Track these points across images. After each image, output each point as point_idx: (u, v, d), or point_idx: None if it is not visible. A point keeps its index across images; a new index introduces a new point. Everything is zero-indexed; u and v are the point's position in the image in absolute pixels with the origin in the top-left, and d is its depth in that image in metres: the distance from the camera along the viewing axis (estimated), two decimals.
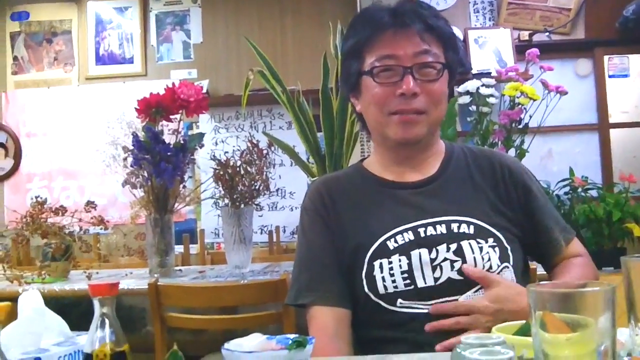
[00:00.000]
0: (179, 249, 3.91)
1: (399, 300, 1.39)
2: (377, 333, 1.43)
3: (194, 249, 4.43)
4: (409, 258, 1.39)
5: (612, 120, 4.72)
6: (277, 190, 4.78)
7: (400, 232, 1.42)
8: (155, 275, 2.76)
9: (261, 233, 4.76)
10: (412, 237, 1.42)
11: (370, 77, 1.45)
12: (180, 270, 3.16)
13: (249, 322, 2.33)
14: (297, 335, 1.12)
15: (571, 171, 3.48)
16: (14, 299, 1.17)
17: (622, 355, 1.05)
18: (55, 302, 2.51)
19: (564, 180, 3.40)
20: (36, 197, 3.12)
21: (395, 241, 1.42)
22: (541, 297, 0.76)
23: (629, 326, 1.09)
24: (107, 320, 1.05)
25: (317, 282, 1.47)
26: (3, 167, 5.22)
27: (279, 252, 4.26)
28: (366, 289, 1.41)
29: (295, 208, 4.83)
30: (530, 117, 3.41)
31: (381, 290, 1.39)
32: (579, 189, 3.34)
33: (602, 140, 4.68)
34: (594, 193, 3.37)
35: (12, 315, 1.09)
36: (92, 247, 3.38)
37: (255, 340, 1.10)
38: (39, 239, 3.01)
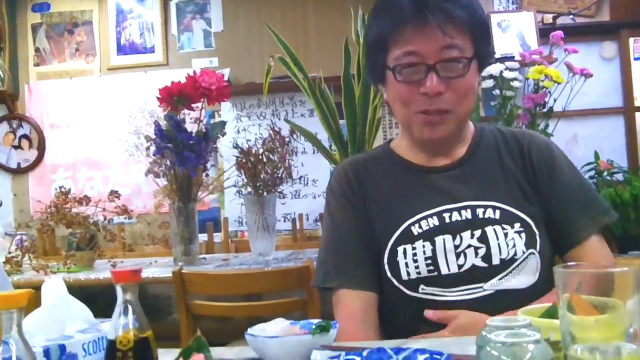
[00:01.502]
0: (202, 237, 3.94)
1: (421, 287, 1.38)
2: (400, 319, 1.42)
3: (218, 237, 4.46)
4: (433, 244, 1.38)
5: (637, 103, 4.64)
6: (300, 178, 4.77)
7: (425, 218, 1.41)
8: (180, 263, 2.78)
9: (284, 221, 4.76)
10: (436, 223, 1.40)
11: (394, 74, 1.40)
12: (204, 258, 3.19)
13: (274, 309, 2.34)
14: (320, 320, 1.12)
15: (596, 155, 3.42)
16: (39, 288, 1.18)
17: None
18: (80, 291, 2.53)
19: (588, 164, 3.35)
20: (60, 188, 3.15)
21: (420, 227, 1.40)
22: (568, 278, 0.74)
23: None
24: (130, 307, 1.05)
25: (344, 265, 1.45)
26: (27, 159, 5.28)
27: (302, 239, 4.26)
28: (389, 274, 1.40)
29: (318, 196, 4.82)
30: (555, 100, 3.36)
31: (404, 276, 1.38)
32: (605, 173, 3.29)
33: (628, 124, 4.60)
34: (619, 177, 3.31)
35: (35, 303, 1.10)
36: (116, 237, 3.41)
37: (278, 325, 1.10)
38: (64, 229, 3.05)
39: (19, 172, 5.28)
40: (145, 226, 3.95)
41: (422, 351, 0.93)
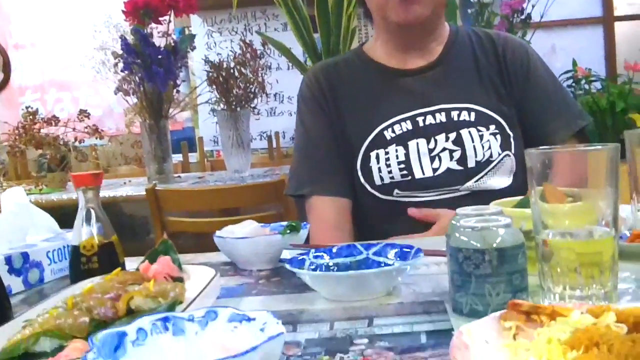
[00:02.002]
0: (178, 157, 3.89)
1: (396, 191, 1.36)
2: (375, 222, 1.40)
3: (194, 157, 4.40)
4: (406, 148, 1.35)
5: (617, 13, 4.57)
6: (275, 95, 4.68)
7: (399, 122, 1.37)
8: (154, 182, 2.74)
9: (260, 139, 4.71)
10: (410, 127, 1.37)
11: None
12: (179, 177, 3.16)
13: None
14: (290, 221, 1.10)
15: (574, 62, 3.37)
16: None
17: (624, 229, 1.03)
18: (53, 212, 2.50)
19: (567, 72, 3.30)
20: (27, 108, 3.06)
21: (393, 131, 1.37)
22: (540, 158, 0.71)
23: (631, 201, 1.06)
24: (93, 212, 1.02)
25: (316, 172, 1.43)
26: None
27: (279, 157, 4.23)
28: (362, 180, 1.38)
29: (294, 113, 4.75)
30: (533, 6, 3.27)
31: (377, 181, 1.36)
32: (583, 81, 3.25)
33: (607, 34, 4.55)
34: (597, 85, 3.28)
35: None
36: (88, 157, 3.35)
37: (248, 227, 1.08)
38: (35, 152, 2.98)
39: None
40: (118, 146, 3.88)
41: (393, 245, 0.92)
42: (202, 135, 4.63)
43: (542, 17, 3.31)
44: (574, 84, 3.29)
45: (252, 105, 2.90)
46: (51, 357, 0.65)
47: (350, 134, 1.41)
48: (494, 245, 0.68)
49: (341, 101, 1.45)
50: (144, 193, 2.40)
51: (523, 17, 3.20)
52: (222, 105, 2.85)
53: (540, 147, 0.73)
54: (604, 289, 0.68)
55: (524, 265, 0.70)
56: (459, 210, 0.78)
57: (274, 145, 4.43)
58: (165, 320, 0.61)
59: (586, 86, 3.24)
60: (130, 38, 2.70)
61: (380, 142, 1.37)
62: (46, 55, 5.02)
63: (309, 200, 1.43)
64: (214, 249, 1.13)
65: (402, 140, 1.36)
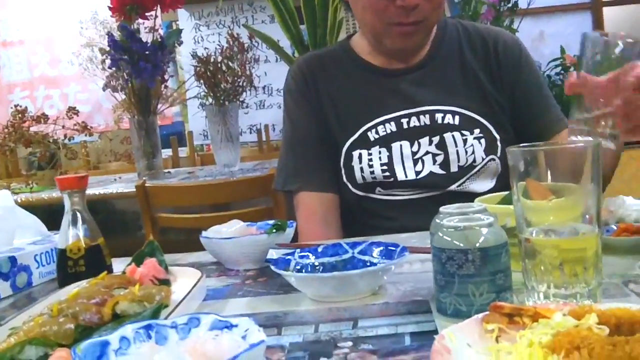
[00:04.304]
0: (167, 152, 3.88)
1: (378, 189, 1.35)
2: (360, 219, 1.40)
3: (184, 152, 4.39)
4: (389, 150, 1.34)
5: None
6: (264, 88, 4.66)
7: (383, 123, 1.36)
8: (144, 178, 2.73)
9: (250, 133, 4.70)
10: (394, 129, 1.35)
11: None
12: (169, 172, 3.15)
13: (241, 218, 2.31)
14: (276, 220, 1.10)
15: (562, 50, 3.37)
16: None
17: (611, 222, 1.03)
18: (43, 210, 2.49)
19: (555, 59, 3.30)
20: (16, 106, 3.05)
21: (377, 132, 1.36)
22: (522, 156, 0.71)
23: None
24: (79, 215, 1.02)
25: (303, 167, 1.42)
26: None
27: (269, 150, 4.22)
28: (344, 179, 1.38)
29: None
30: None
31: (359, 179, 1.35)
32: (571, 68, 3.25)
33: (596, 20, 4.54)
34: None
35: None
36: (77, 154, 3.34)
37: (234, 227, 1.07)
38: (25, 150, 2.97)
39: None
40: (107, 143, 3.87)
41: (378, 244, 0.92)
42: (191, 130, 4.62)
43: (529, 4, 3.31)
44: (562, 71, 3.29)
45: (241, 99, 2.89)
46: None
47: (333, 131, 1.40)
48: (477, 245, 0.68)
49: (324, 95, 1.43)
50: (134, 190, 2.39)
51: (510, 4, 3.20)
52: (210, 100, 2.84)
53: (522, 145, 0.73)
54: (588, 286, 0.68)
55: (508, 264, 0.70)
56: (442, 209, 0.78)
57: (264, 138, 4.42)
58: (148, 328, 0.61)
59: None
60: (117, 34, 2.68)
61: (364, 142, 1.36)
62: (34, 52, 4.99)
63: (296, 195, 1.43)
64: None
65: (385, 141, 1.35)
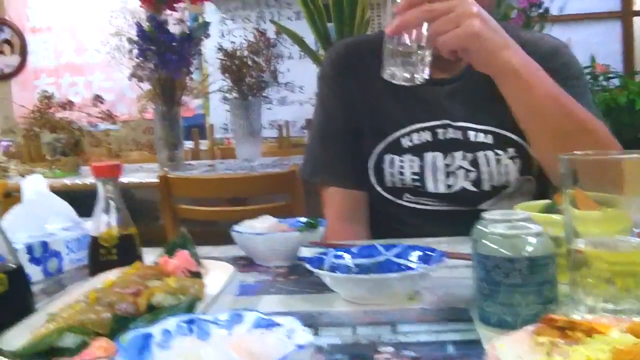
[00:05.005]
0: (188, 144, 3.89)
1: (406, 195, 1.32)
2: (383, 223, 1.38)
3: (204, 144, 4.40)
4: (422, 160, 1.30)
5: (636, 7, 4.51)
6: (286, 84, 4.65)
7: (417, 131, 1.31)
8: (165, 168, 2.74)
9: (271, 128, 4.70)
10: (429, 138, 1.31)
11: None
12: (190, 164, 3.16)
13: (259, 213, 2.31)
14: (308, 217, 1.09)
15: (592, 59, 3.33)
16: None
17: None
18: (66, 196, 2.51)
19: (585, 68, 3.27)
20: (43, 92, 3.08)
21: (411, 140, 1.31)
22: (573, 165, 0.69)
23: None
24: (112, 203, 1.01)
25: (334, 160, 1.38)
26: (10, 64, 5.12)
27: (288, 146, 4.22)
28: (373, 180, 1.34)
29: (305, 102, 4.74)
30: (552, 0, 3.23)
31: (388, 184, 1.32)
32: (600, 78, 3.22)
33: (625, 29, 4.49)
34: (615, 82, 3.24)
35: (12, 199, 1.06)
36: (102, 142, 3.36)
37: (266, 222, 1.07)
38: (50, 135, 2.99)
39: (2, 78, 5.13)
40: (130, 132, 3.88)
41: (414, 247, 0.90)
42: (212, 123, 4.63)
43: (561, 10, 3.28)
44: (591, 80, 3.26)
45: (264, 94, 2.90)
46: (75, 353, 0.65)
47: (365, 129, 1.35)
48: (525, 254, 0.67)
49: (361, 88, 1.37)
50: (156, 180, 2.40)
51: (541, 10, 3.17)
52: (234, 94, 2.84)
53: (574, 152, 0.71)
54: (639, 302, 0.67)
55: (554, 275, 0.69)
56: (486, 215, 0.76)
57: (284, 134, 4.42)
58: (190, 322, 0.60)
59: (604, 82, 3.21)
60: (145, 25, 2.69)
61: (397, 148, 1.32)
62: (62, 39, 5.02)
63: (325, 190, 1.40)
64: (222, 236, 1.11)
65: (418, 150, 1.31)
